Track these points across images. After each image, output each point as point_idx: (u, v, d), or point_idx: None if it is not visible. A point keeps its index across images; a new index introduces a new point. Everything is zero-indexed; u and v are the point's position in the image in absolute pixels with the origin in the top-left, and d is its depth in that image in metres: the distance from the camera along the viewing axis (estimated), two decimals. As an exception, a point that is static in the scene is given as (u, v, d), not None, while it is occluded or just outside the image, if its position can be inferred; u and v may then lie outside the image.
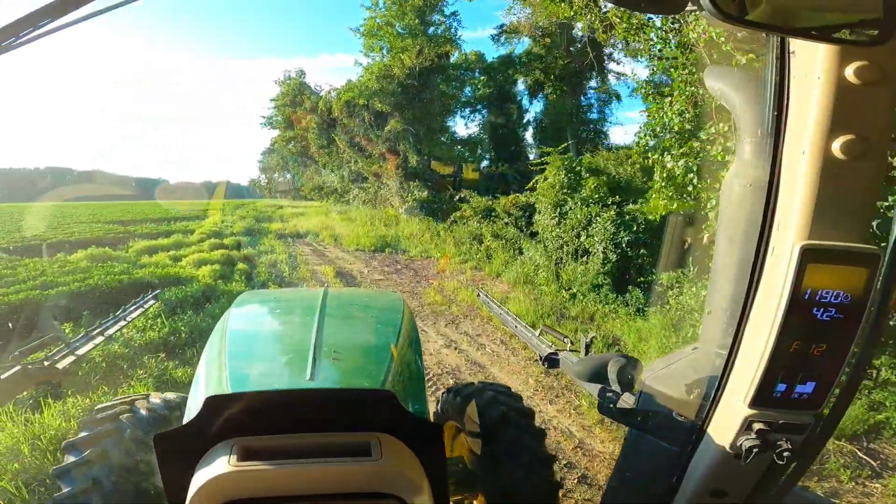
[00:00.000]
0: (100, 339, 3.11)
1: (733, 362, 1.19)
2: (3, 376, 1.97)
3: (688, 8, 0.84)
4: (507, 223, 13.74)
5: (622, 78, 22.72)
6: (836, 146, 0.96)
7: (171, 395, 2.25)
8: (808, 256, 1.01)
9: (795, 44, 1.03)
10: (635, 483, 1.57)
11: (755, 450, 1.11)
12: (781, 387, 1.10)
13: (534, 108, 25.90)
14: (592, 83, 25.30)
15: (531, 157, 25.79)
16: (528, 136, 26.83)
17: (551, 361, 2.62)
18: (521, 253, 12.06)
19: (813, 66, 0.97)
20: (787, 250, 1.04)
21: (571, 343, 2.67)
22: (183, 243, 16.58)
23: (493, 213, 14.91)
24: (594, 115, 25.18)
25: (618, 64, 23.45)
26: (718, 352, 1.38)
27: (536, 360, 4.17)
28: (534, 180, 12.59)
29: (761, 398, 1.11)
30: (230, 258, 13.05)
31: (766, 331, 1.08)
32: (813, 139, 0.98)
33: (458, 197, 17.67)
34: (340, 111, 27.16)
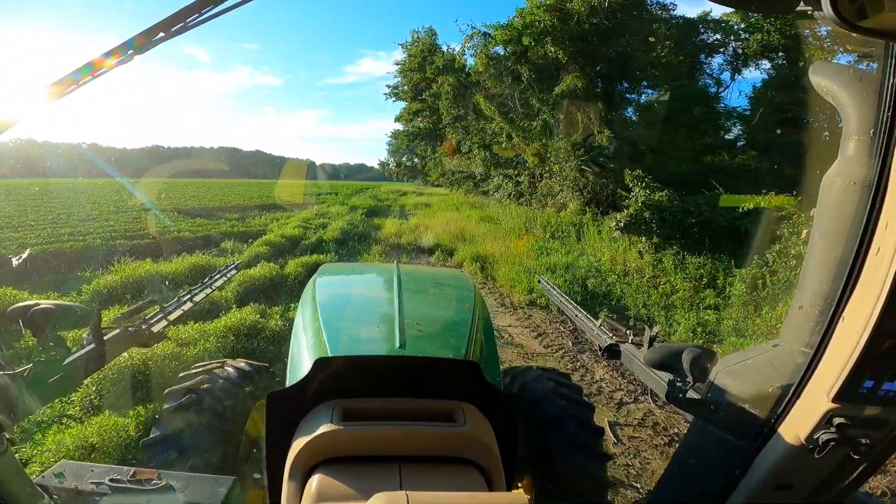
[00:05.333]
0: (189, 305, 3.21)
1: (820, 357, 1.17)
2: (105, 337, 2.18)
3: (799, 8, 0.77)
4: None
5: None
6: None
7: (253, 362, 2.54)
8: None
9: None
10: (695, 473, 1.54)
11: (832, 443, 1.11)
12: (869, 383, 1.08)
13: (749, 80, 16.37)
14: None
15: (741, 142, 17.17)
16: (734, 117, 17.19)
17: (612, 352, 2.55)
18: None
19: None
20: (892, 251, 1.01)
21: (634, 335, 2.59)
22: (210, 266, 8.79)
23: None
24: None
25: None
26: (802, 349, 1.33)
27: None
28: None
29: (846, 393, 1.09)
30: (247, 346, 5.35)
31: (859, 328, 1.05)
32: None
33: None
34: (485, 67, 18.92)
